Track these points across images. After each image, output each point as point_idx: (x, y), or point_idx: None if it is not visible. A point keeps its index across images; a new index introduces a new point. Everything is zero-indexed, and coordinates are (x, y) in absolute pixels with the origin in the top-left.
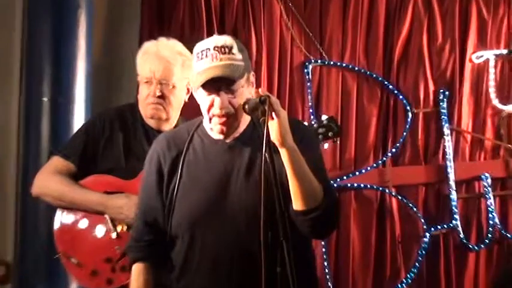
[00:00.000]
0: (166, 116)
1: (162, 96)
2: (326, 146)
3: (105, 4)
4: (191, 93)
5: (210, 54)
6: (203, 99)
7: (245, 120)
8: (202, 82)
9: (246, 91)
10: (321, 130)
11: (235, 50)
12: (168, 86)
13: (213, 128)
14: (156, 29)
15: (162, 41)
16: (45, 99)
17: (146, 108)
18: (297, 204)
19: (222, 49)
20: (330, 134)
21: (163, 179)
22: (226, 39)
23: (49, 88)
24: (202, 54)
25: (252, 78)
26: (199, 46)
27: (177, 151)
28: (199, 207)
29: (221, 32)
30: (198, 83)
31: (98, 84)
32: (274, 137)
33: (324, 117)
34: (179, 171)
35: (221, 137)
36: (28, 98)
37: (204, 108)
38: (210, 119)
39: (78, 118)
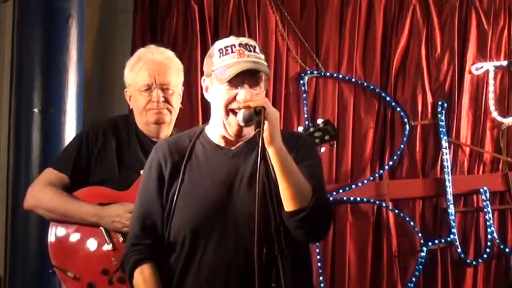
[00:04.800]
0: (169, 119)
1: (166, 101)
2: (323, 149)
3: (97, 13)
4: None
5: (236, 50)
6: (222, 93)
7: (252, 127)
8: (234, 74)
9: (263, 93)
10: (317, 134)
11: (258, 50)
12: (168, 91)
13: (230, 124)
14: (148, 38)
15: (153, 47)
16: (35, 110)
17: (147, 114)
18: (286, 205)
19: (247, 47)
20: (326, 137)
21: (163, 183)
22: (249, 40)
23: (40, 99)
24: (226, 50)
25: (267, 82)
26: (221, 43)
27: (179, 157)
28: (201, 213)
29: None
30: (228, 75)
31: (89, 95)
32: (264, 136)
33: (320, 121)
34: (180, 176)
35: (234, 135)
36: (18, 109)
37: (221, 103)
38: (228, 114)
39: (70, 129)
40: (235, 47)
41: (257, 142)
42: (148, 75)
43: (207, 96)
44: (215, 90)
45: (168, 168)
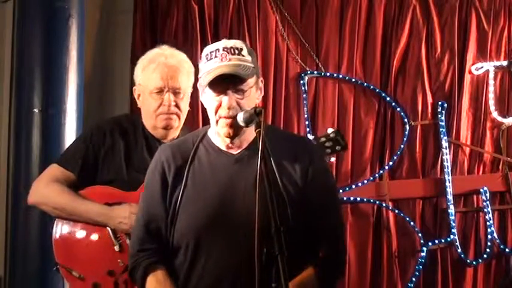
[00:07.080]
0: (177, 124)
1: (176, 105)
2: (333, 159)
3: (97, 13)
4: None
5: (220, 54)
6: (211, 101)
7: (253, 130)
8: (211, 80)
9: (255, 95)
10: (328, 144)
11: (244, 52)
12: (179, 95)
13: (219, 132)
14: (148, 38)
15: (166, 49)
16: (36, 110)
17: (157, 119)
18: None
19: (232, 50)
20: (337, 148)
21: (167, 187)
22: (236, 42)
23: (40, 99)
24: (211, 55)
25: (261, 84)
26: (208, 48)
27: (182, 161)
28: (205, 218)
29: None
30: (206, 81)
31: (89, 95)
32: None
33: (330, 130)
34: (184, 180)
35: (228, 141)
36: (19, 109)
37: (211, 111)
38: (217, 122)
39: (70, 129)
40: (219, 51)
41: (257, 145)
42: (161, 78)
43: (202, 101)
44: (204, 96)
45: (172, 172)
